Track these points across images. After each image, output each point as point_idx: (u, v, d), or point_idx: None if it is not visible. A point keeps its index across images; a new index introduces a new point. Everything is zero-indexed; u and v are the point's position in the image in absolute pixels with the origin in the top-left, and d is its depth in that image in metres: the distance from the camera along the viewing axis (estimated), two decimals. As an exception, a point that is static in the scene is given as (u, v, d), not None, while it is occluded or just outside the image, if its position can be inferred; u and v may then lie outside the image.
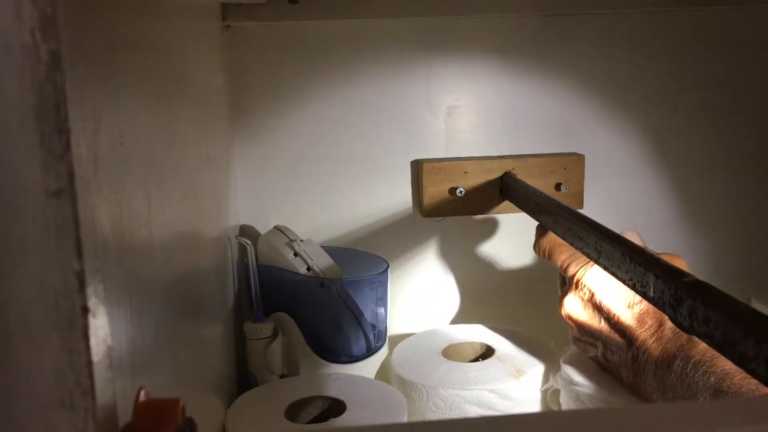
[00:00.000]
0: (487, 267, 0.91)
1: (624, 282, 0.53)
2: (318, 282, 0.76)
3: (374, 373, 0.79)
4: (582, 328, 0.67)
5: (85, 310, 0.25)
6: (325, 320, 0.77)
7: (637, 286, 0.51)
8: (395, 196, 0.88)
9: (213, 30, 0.76)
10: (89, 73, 0.30)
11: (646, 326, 0.61)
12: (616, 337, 0.63)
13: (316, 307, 0.77)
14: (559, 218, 0.66)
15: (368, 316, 0.78)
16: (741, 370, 0.52)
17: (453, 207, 0.85)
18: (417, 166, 0.87)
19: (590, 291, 0.65)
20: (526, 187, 0.79)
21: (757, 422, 0.28)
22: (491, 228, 0.91)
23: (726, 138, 0.92)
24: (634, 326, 0.62)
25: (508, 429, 0.30)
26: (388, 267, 0.80)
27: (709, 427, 0.29)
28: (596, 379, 0.67)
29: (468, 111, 0.88)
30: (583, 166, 0.88)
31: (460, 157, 0.87)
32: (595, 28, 0.87)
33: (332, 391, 0.69)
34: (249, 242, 0.78)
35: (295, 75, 0.85)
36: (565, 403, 0.70)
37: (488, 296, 0.91)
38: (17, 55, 0.24)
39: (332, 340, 0.77)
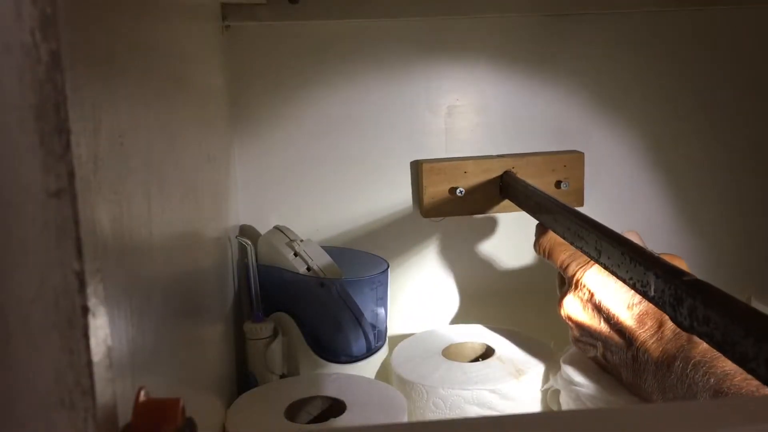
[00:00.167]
0: (487, 267, 0.91)
1: (624, 281, 0.53)
2: (318, 282, 0.76)
3: (374, 373, 0.79)
4: (582, 328, 0.67)
5: (85, 310, 0.25)
6: (325, 320, 0.77)
7: (638, 285, 0.51)
8: (395, 196, 0.88)
9: (213, 30, 0.76)
10: (89, 73, 0.30)
11: (646, 327, 0.61)
12: (615, 337, 0.63)
13: (316, 307, 0.77)
14: (559, 217, 0.66)
15: (368, 316, 0.78)
16: (741, 372, 0.52)
17: (453, 207, 0.85)
18: (417, 167, 0.87)
19: (590, 291, 0.65)
20: (526, 186, 0.79)
21: (757, 422, 0.28)
22: (491, 228, 0.91)
23: (726, 138, 0.92)
24: (633, 327, 0.62)
25: (508, 429, 0.30)
26: (388, 267, 0.80)
27: (709, 427, 0.29)
28: (596, 379, 0.67)
29: (468, 111, 0.88)
30: (583, 163, 0.88)
31: (459, 157, 0.87)
32: (595, 28, 0.88)
33: (332, 391, 0.69)
34: (249, 242, 0.78)
35: (295, 75, 0.85)
36: (565, 403, 0.70)
37: (488, 296, 0.91)
38: (17, 55, 0.24)
39: (332, 340, 0.77)
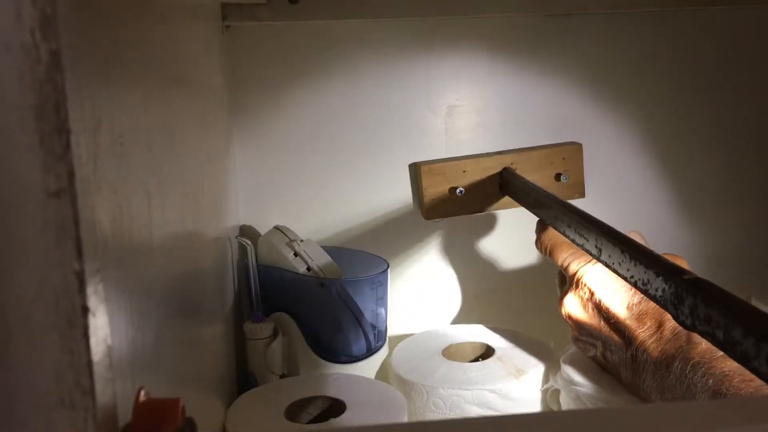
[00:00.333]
0: (487, 267, 0.91)
1: (625, 279, 0.53)
2: (318, 282, 0.76)
3: (374, 373, 0.79)
4: (581, 327, 0.67)
5: (85, 310, 0.25)
6: (325, 320, 0.77)
7: (639, 283, 0.51)
8: (395, 196, 0.88)
9: (213, 30, 0.76)
10: (89, 73, 0.30)
11: (646, 327, 0.61)
12: (615, 336, 0.63)
13: (316, 307, 0.77)
14: (560, 214, 0.66)
15: (368, 316, 0.78)
16: (740, 373, 0.52)
17: (454, 207, 0.85)
18: (415, 169, 0.87)
19: (590, 290, 0.65)
20: (525, 183, 0.79)
21: (757, 422, 0.28)
22: (491, 228, 0.91)
23: (726, 137, 0.92)
24: (633, 326, 0.62)
25: (508, 429, 0.30)
26: (388, 267, 0.80)
27: (708, 427, 0.29)
28: (596, 379, 0.67)
29: (468, 111, 0.88)
30: (582, 155, 0.87)
31: (457, 157, 0.87)
32: (596, 28, 0.88)
33: (332, 391, 0.69)
34: (249, 242, 0.78)
35: (295, 75, 0.85)
36: (565, 403, 0.70)
37: (488, 296, 0.91)
38: (17, 55, 0.24)
39: (332, 340, 0.77)
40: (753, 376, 0.43)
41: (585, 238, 0.60)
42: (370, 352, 0.78)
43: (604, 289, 0.64)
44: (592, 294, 0.65)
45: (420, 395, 0.71)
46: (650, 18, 0.88)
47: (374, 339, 0.78)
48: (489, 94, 0.88)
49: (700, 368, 0.55)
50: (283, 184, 0.87)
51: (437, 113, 0.88)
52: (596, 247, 0.57)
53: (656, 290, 0.48)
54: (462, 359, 0.79)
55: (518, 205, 0.81)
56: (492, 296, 0.91)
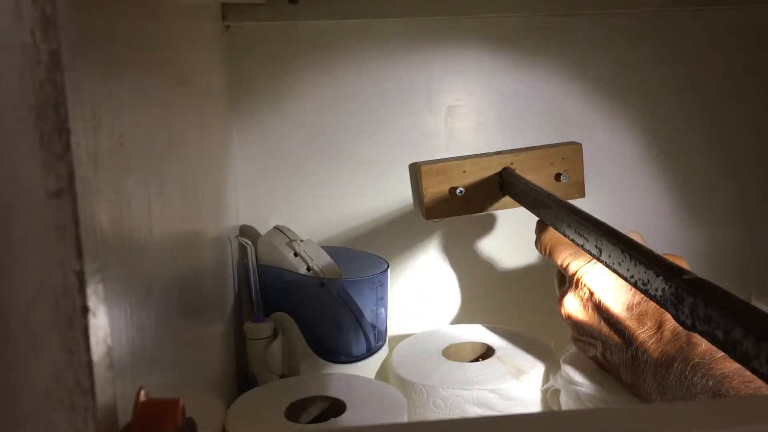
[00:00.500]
0: (487, 267, 0.91)
1: (625, 279, 0.53)
2: (318, 282, 0.76)
3: (374, 373, 0.79)
4: (581, 327, 0.67)
5: (85, 310, 0.25)
6: (325, 320, 0.77)
7: (639, 283, 0.51)
8: (395, 196, 0.88)
9: (213, 30, 0.76)
10: (89, 73, 0.30)
11: (646, 327, 0.61)
12: (615, 337, 0.63)
13: (316, 307, 0.77)
14: (560, 214, 0.66)
15: (368, 316, 0.78)
16: (740, 374, 0.52)
17: (454, 207, 0.85)
18: (415, 169, 0.87)
19: (590, 290, 0.65)
20: (526, 183, 0.79)
21: (756, 422, 0.28)
22: (491, 228, 0.91)
23: (727, 137, 0.92)
24: (633, 327, 0.62)
25: (508, 429, 0.30)
26: (388, 267, 0.80)
27: (708, 427, 0.29)
28: (596, 379, 0.67)
29: (469, 111, 0.88)
30: (582, 154, 0.88)
31: (457, 157, 0.87)
32: (595, 28, 0.87)
33: (332, 391, 0.69)
34: (249, 242, 0.78)
35: (295, 75, 0.85)
36: (565, 403, 0.70)
37: (488, 296, 0.91)
38: (17, 55, 0.24)
39: (332, 340, 0.77)
40: (753, 377, 0.43)
41: (585, 238, 0.60)
42: (370, 352, 0.78)
43: (604, 289, 0.64)
44: (591, 294, 0.65)
45: (420, 395, 0.71)
46: (650, 18, 0.88)
47: (374, 339, 0.78)
48: (489, 94, 0.88)
49: (700, 369, 0.55)
50: (283, 184, 0.87)
51: (437, 113, 0.88)
52: (596, 247, 0.57)
53: (656, 290, 0.48)
54: (462, 359, 0.79)
55: (518, 205, 0.81)
56: (492, 296, 0.91)
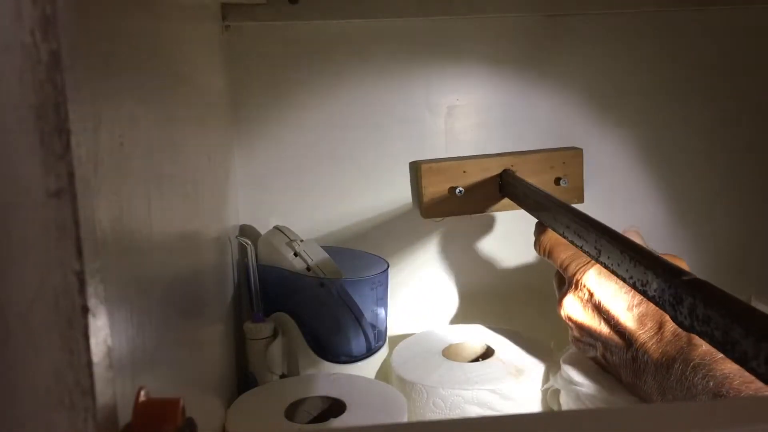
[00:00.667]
0: (487, 267, 0.91)
1: (624, 280, 0.53)
2: (318, 282, 0.76)
3: (374, 373, 0.79)
4: (581, 328, 0.67)
5: (85, 310, 0.25)
6: (325, 320, 0.77)
7: (638, 284, 0.51)
8: (395, 195, 0.88)
9: (213, 30, 0.76)
10: (89, 73, 0.30)
11: (646, 328, 0.61)
12: (615, 338, 0.63)
13: (316, 307, 0.77)
14: (558, 215, 0.66)
15: (368, 316, 0.78)
16: (740, 375, 0.52)
17: (453, 206, 0.85)
18: (415, 168, 0.87)
19: (590, 291, 0.65)
20: (525, 185, 0.79)
21: (756, 422, 0.28)
22: (491, 228, 0.91)
23: (726, 137, 0.92)
24: (633, 328, 0.62)
25: (508, 429, 0.30)
26: (388, 267, 0.80)
27: (708, 427, 0.29)
28: (596, 379, 0.67)
29: (468, 111, 0.88)
30: (582, 159, 0.88)
31: (458, 157, 0.87)
32: (596, 28, 0.88)
33: (332, 391, 0.69)
34: (249, 242, 0.78)
35: (295, 75, 0.85)
36: (565, 403, 0.70)
37: (488, 296, 0.91)
38: (17, 55, 0.24)
39: (332, 340, 0.77)
40: (753, 377, 0.43)
41: (584, 239, 0.60)
42: (370, 352, 0.78)
43: (604, 290, 0.64)
44: (591, 295, 0.65)
45: (420, 395, 0.71)
46: (650, 18, 0.88)
47: (374, 339, 0.78)
48: (489, 94, 0.88)
49: (701, 370, 0.55)
50: (284, 184, 0.87)
51: (437, 113, 0.88)
52: (595, 248, 0.57)
53: (655, 291, 0.48)
54: (462, 359, 0.79)
55: (517, 206, 0.81)
56: (492, 296, 0.91)
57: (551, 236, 0.71)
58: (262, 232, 0.83)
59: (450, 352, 0.79)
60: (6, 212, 0.24)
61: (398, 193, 0.88)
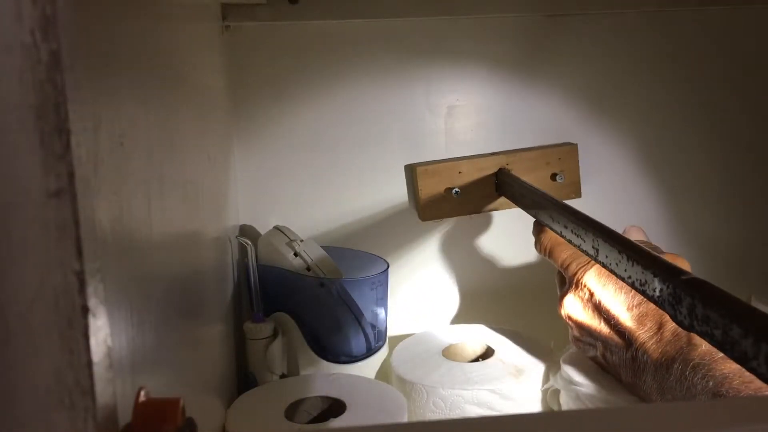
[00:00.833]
0: (488, 267, 0.91)
1: (623, 280, 0.53)
2: (318, 282, 0.76)
3: (374, 373, 0.79)
4: (581, 328, 0.67)
5: (85, 310, 0.25)
6: (325, 320, 0.77)
7: (636, 284, 0.51)
8: (395, 195, 0.88)
9: (213, 30, 0.76)
10: (89, 73, 0.30)
11: (646, 328, 0.61)
12: (615, 337, 0.63)
13: (316, 307, 0.77)
14: (556, 215, 0.66)
15: (368, 316, 0.78)
16: (740, 375, 0.52)
17: (451, 208, 0.85)
18: (411, 171, 0.87)
19: (590, 291, 0.65)
20: (521, 183, 0.79)
21: (756, 422, 0.28)
22: (491, 228, 0.91)
23: (726, 137, 0.92)
24: (633, 327, 0.62)
25: (508, 429, 0.30)
26: (388, 267, 0.80)
27: (708, 427, 0.29)
28: (596, 379, 0.67)
29: (468, 111, 0.88)
30: (577, 154, 0.88)
31: (453, 158, 0.86)
32: (596, 28, 0.88)
33: (332, 391, 0.69)
34: (249, 242, 0.78)
35: (295, 75, 0.85)
36: (565, 403, 0.70)
37: (488, 296, 0.91)
38: (17, 55, 0.24)
39: (332, 340, 0.77)
40: (752, 377, 0.43)
41: (582, 238, 0.60)
42: (370, 352, 0.78)
43: (604, 290, 0.64)
44: (591, 295, 0.65)
45: (420, 395, 0.71)
46: (650, 18, 0.88)
47: (374, 339, 0.79)
48: (489, 94, 0.88)
49: (700, 370, 0.55)
50: (283, 184, 0.87)
51: (437, 113, 0.88)
52: (593, 247, 0.57)
53: (654, 290, 0.48)
54: (462, 359, 0.79)
55: (515, 205, 0.81)
56: (492, 296, 0.91)
57: (552, 236, 0.71)
58: (262, 232, 0.83)
59: (450, 352, 0.79)
60: (6, 212, 0.24)
61: (398, 193, 0.88)
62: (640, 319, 0.61)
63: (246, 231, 0.86)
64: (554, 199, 0.69)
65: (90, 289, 0.25)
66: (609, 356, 0.65)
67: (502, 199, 0.85)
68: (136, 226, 0.37)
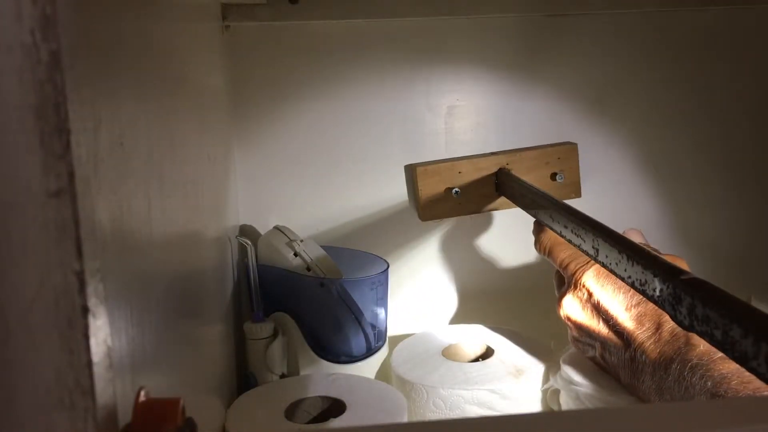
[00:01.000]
0: (487, 267, 0.91)
1: (623, 280, 0.53)
2: (318, 282, 0.76)
3: (374, 373, 0.79)
4: (580, 328, 0.67)
5: (85, 310, 0.25)
6: (325, 320, 0.77)
7: (636, 284, 0.51)
8: (395, 195, 0.88)
9: (213, 30, 0.76)
10: (89, 73, 0.30)
11: (644, 328, 0.61)
12: (614, 338, 0.63)
13: (316, 307, 0.77)
14: (556, 215, 0.66)
15: (368, 316, 0.78)
16: (738, 375, 0.52)
17: (451, 208, 0.85)
18: (411, 171, 0.87)
19: (589, 291, 0.65)
20: (521, 183, 0.79)
21: (755, 422, 0.28)
22: (491, 228, 0.91)
23: (726, 138, 0.92)
24: (632, 328, 0.62)
25: (508, 429, 0.30)
26: (388, 267, 0.80)
27: (708, 427, 0.29)
28: (596, 379, 0.67)
29: (469, 111, 0.88)
30: (577, 154, 0.88)
31: (452, 158, 0.87)
32: (596, 28, 0.88)
33: (332, 391, 0.69)
34: (249, 242, 0.78)
35: (295, 75, 0.85)
36: (565, 403, 0.70)
37: (488, 296, 0.91)
38: (17, 55, 0.24)
39: (332, 340, 0.77)
40: (751, 378, 0.43)
41: (582, 238, 0.59)
42: (370, 352, 0.78)
43: (603, 290, 0.64)
44: (590, 295, 0.65)
45: (420, 395, 0.71)
46: (650, 18, 0.88)
47: (374, 339, 0.79)
48: (489, 94, 0.88)
49: (699, 370, 0.55)
50: (283, 184, 0.87)
51: (437, 113, 0.88)
52: (593, 247, 0.57)
53: (654, 290, 0.48)
54: (462, 359, 0.79)
55: (514, 205, 0.81)
56: (492, 296, 0.91)
57: (551, 235, 0.71)
58: (262, 232, 0.83)
59: (450, 352, 0.79)
60: (6, 212, 0.24)
61: (398, 193, 0.88)
62: (639, 320, 0.61)
63: (246, 231, 0.86)
64: (554, 198, 0.69)
65: (90, 289, 0.25)
66: (608, 356, 0.65)
67: (502, 199, 0.85)
68: (136, 225, 0.37)
